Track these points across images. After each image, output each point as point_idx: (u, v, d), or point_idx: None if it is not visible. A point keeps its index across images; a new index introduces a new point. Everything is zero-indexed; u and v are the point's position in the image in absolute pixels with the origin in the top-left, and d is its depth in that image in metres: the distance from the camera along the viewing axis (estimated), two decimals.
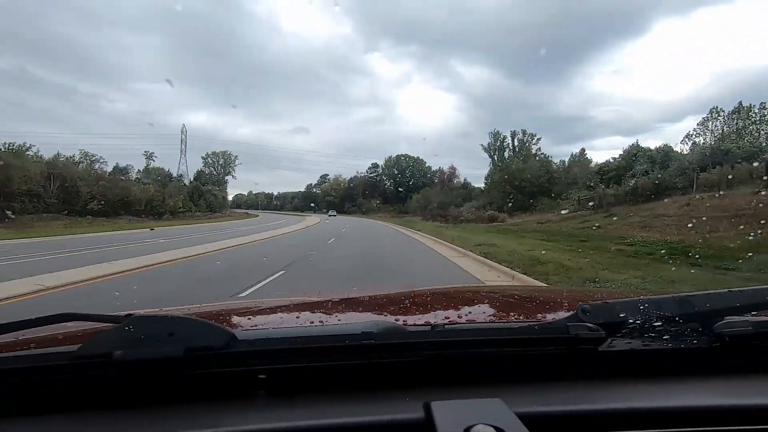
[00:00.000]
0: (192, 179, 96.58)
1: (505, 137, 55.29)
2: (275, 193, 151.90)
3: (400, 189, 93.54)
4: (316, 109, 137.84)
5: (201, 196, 57.75)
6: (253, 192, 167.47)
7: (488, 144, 56.96)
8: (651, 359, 0.73)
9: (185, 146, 70.76)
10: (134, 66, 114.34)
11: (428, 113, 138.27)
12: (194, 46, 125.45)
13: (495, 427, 0.53)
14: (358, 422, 0.59)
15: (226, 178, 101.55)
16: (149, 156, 52.83)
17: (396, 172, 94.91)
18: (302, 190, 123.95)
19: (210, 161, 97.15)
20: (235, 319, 1.09)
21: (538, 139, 53.03)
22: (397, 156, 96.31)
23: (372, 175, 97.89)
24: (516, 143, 54.25)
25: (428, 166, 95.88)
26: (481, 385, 0.68)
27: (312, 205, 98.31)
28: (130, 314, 0.66)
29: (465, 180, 67.69)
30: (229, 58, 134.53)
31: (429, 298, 1.38)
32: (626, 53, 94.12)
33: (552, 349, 0.71)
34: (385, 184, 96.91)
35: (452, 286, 1.95)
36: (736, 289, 0.76)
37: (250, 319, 1.10)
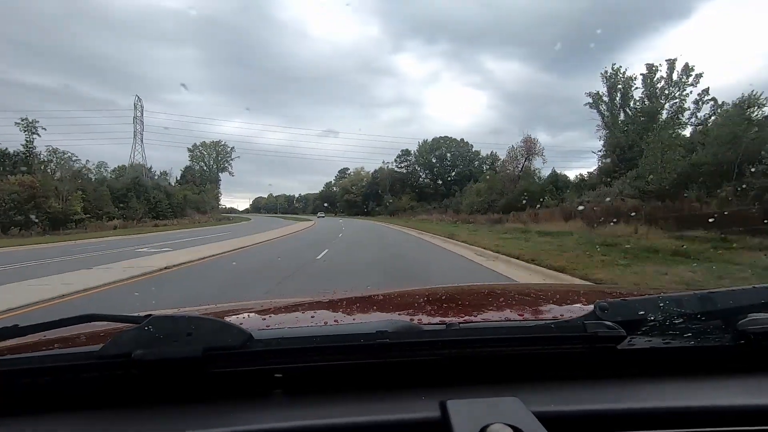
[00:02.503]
0: (178, 177, 78.74)
1: (631, 79, 32.07)
2: (296, 196, 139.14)
3: (439, 182, 72.05)
4: (343, 111, 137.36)
5: (142, 194, 37.69)
6: (273, 195, 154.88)
7: (596, 95, 33.71)
8: (672, 358, 0.71)
9: (142, 127, 51.39)
10: (172, 78, 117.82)
11: (458, 112, 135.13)
12: (226, 57, 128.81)
13: (512, 427, 0.52)
14: (374, 421, 0.59)
15: (220, 174, 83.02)
16: (30, 127, 31.76)
17: (434, 160, 72.64)
18: (322, 189, 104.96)
19: (198, 154, 78.46)
20: (252, 318, 1.08)
21: (699, 76, 29.52)
22: (435, 139, 74.04)
23: (402, 165, 76.46)
24: (655, 86, 30.87)
25: (476, 151, 73.49)
26: (498, 383, 0.67)
27: (326, 206, 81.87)
28: (150, 315, 0.67)
29: (529, 164, 44.48)
30: (259, 66, 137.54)
31: (444, 297, 1.36)
32: (669, 38, 78.85)
33: (569, 347, 0.70)
34: (420, 176, 75.03)
35: (467, 285, 1.85)
36: (760, 285, 0.74)
37: (266, 318, 1.10)
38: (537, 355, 0.71)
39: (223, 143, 78.41)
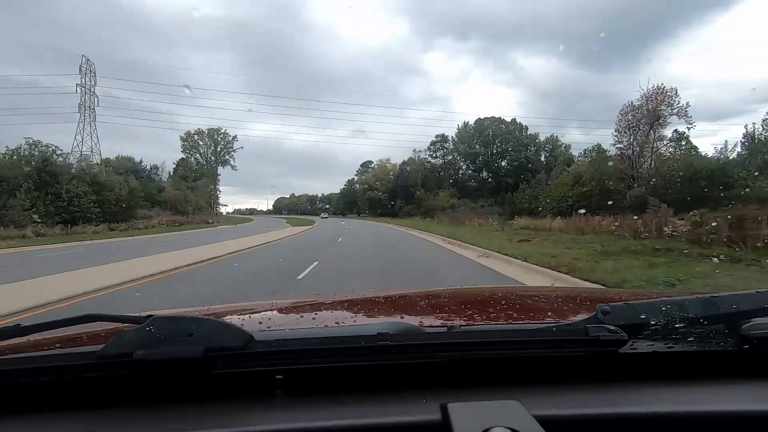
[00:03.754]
0: (171, 171, 67.06)
1: None
2: (319, 195, 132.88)
3: (484, 173, 56.61)
4: (373, 111, 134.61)
5: (50, 186, 24.80)
6: (296, 195, 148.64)
7: None
8: (674, 362, 0.70)
9: (93, 99, 38.80)
10: (206, 83, 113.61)
11: (488, 110, 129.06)
12: (258, 61, 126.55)
13: (513, 430, 0.52)
14: (375, 423, 0.58)
15: (222, 168, 70.63)
16: None
17: (478, 146, 57.07)
18: (343, 187, 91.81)
19: (190, 144, 66.29)
20: (253, 319, 1.08)
21: None
22: (478, 121, 58.38)
23: (438, 154, 60.60)
24: None
25: (531, 135, 57.16)
26: (499, 387, 0.67)
27: (327, 207, 71.32)
28: (151, 315, 0.67)
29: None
30: (290, 69, 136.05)
31: (446, 299, 1.36)
32: (711, 30, 67.15)
33: (571, 351, 0.69)
34: (460, 166, 59.02)
35: (469, 287, 1.83)
36: (764, 289, 0.73)
37: (267, 319, 1.09)
38: (538, 358, 0.70)
39: (223, 131, 66.12)
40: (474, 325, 0.88)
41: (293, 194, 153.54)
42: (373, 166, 78.26)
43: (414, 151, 63.43)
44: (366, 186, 70.78)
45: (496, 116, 57.86)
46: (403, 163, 65.09)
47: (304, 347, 0.65)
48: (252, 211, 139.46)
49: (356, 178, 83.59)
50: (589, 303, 1.16)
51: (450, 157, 59.63)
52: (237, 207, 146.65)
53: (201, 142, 65.37)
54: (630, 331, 0.66)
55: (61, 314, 0.89)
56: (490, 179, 53.11)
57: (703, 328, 0.69)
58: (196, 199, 48.36)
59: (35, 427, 0.61)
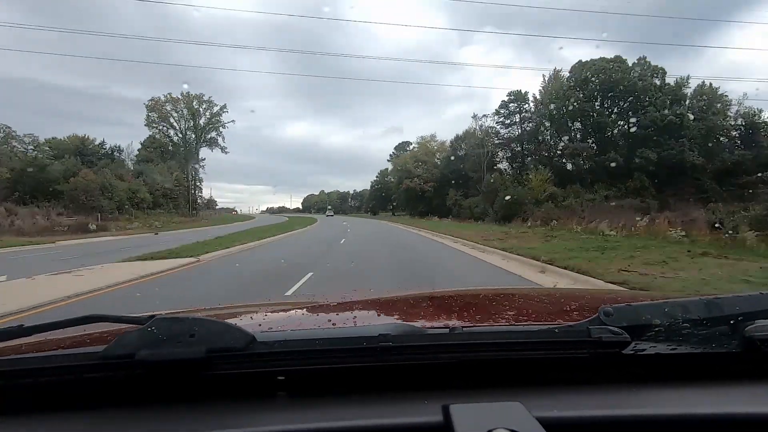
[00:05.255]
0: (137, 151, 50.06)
1: None
2: (351, 192, 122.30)
3: (592, 145, 35.39)
4: (409, 109, 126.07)
5: None
6: (325, 192, 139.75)
7: None
8: (677, 364, 0.70)
9: None
10: (245, 85, 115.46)
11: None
12: (295, 62, 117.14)
13: None
14: (377, 425, 0.59)
15: (207, 149, 52.51)
16: None
17: (582, 97, 34.73)
18: (375, 178, 72.85)
19: (157, 118, 46.43)
20: (255, 320, 1.08)
21: None
22: (578, 66, 36.16)
23: (513, 119, 39.17)
24: None
25: (672, 85, 34.42)
26: (501, 388, 0.67)
27: (333, 205, 57.89)
28: (153, 315, 0.67)
29: None
30: (326, 68, 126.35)
31: (448, 301, 1.37)
32: None
33: (573, 352, 0.69)
34: (550, 135, 37.06)
35: (471, 288, 1.87)
36: (767, 291, 0.73)
37: (269, 320, 1.11)
38: (540, 359, 0.70)
39: (207, 98, 47.76)
40: (476, 326, 0.87)
41: (322, 191, 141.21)
42: (412, 147, 58.17)
43: (474, 117, 42.51)
44: (402, 173, 50.55)
45: (609, 57, 36.06)
46: (456, 138, 44.12)
47: (305, 348, 0.65)
48: (282, 210, 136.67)
49: (390, 167, 63.90)
50: (591, 304, 1.14)
51: (534, 124, 38.29)
52: (269, 206, 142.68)
53: (175, 114, 47.21)
54: (633, 332, 0.66)
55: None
56: (612, 156, 31.57)
57: (707, 329, 0.68)
58: (126, 192, 30.19)
59: (37, 428, 0.61)
